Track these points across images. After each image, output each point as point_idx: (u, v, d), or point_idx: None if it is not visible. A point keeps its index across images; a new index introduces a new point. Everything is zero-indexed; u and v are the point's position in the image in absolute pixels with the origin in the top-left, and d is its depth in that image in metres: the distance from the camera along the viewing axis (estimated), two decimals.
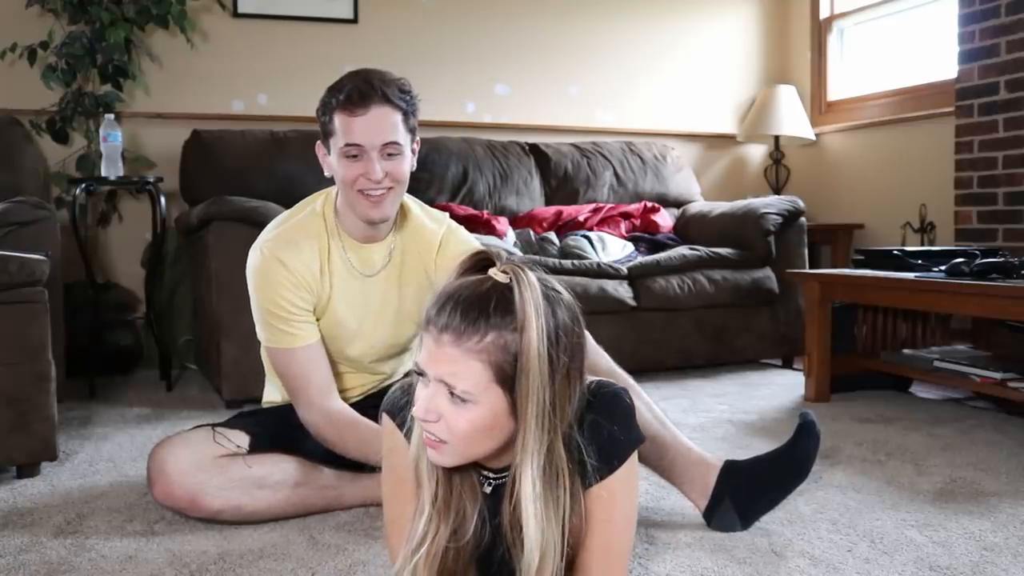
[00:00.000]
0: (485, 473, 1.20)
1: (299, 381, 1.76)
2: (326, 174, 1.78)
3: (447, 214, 1.93)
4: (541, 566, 1.10)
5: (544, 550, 1.10)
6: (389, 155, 1.68)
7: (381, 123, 1.66)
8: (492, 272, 1.11)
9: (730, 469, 1.65)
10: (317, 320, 1.79)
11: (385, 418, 1.26)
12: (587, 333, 1.19)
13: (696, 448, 1.68)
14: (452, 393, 1.07)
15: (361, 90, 1.65)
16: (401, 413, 1.22)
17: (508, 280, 1.09)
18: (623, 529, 1.20)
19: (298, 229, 1.77)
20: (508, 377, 1.07)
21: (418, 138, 1.78)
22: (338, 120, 1.67)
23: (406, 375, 1.37)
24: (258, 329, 1.79)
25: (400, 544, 1.19)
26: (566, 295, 1.13)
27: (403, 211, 1.84)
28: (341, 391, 1.88)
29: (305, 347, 1.75)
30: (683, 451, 1.65)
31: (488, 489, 1.20)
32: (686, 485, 1.67)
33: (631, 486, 1.21)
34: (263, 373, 1.95)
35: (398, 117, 1.68)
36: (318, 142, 1.77)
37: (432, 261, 1.84)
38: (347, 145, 1.66)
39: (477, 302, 1.08)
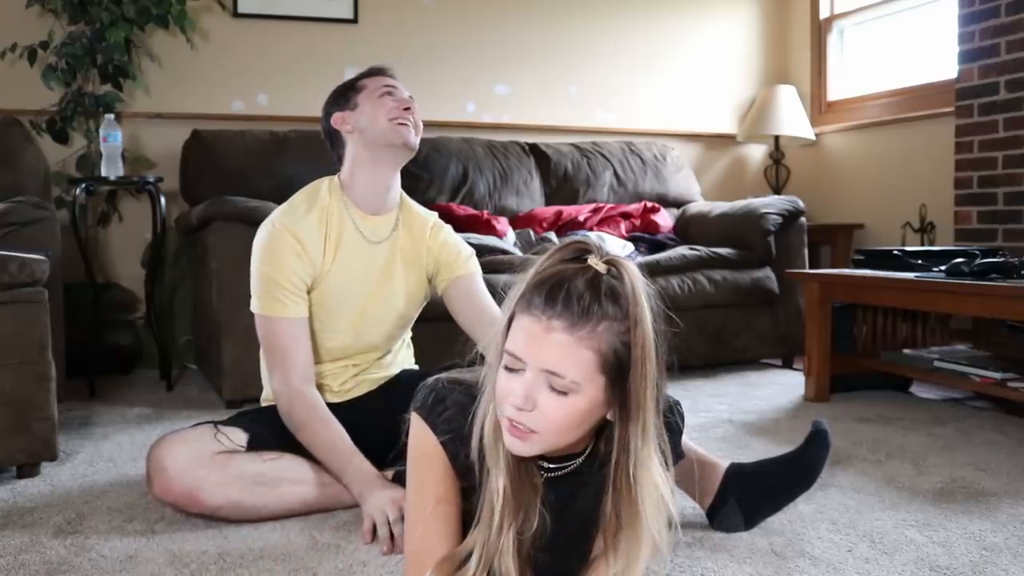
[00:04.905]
0: (542, 464, 1.19)
1: (281, 354, 1.82)
2: (347, 130, 1.92)
3: (435, 214, 2.09)
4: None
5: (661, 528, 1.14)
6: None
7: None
8: (591, 261, 1.09)
9: (737, 471, 1.65)
10: (311, 291, 1.86)
11: (416, 418, 1.24)
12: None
13: (700, 448, 1.68)
14: (553, 383, 1.06)
15: (381, 66, 1.98)
16: (431, 414, 1.21)
17: (608, 270, 1.08)
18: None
19: (306, 198, 1.90)
20: (612, 366, 1.07)
21: None
22: (369, 81, 1.93)
23: (424, 375, 1.35)
24: (253, 300, 1.86)
25: (418, 548, 1.17)
26: (651, 287, 1.14)
27: (400, 198, 2.01)
28: (331, 387, 1.95)
29: (293, 319, 1.82)
30: (688, 450, 1.65)
31: (540, 480, 1.19)
32: (690, 484, 1.66)
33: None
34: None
35: None
36: (336, 114, 1.92)
37: (425, 243, 1.99)
38: (385, 87, 1.91)
39: (588, 290, 1.07)
